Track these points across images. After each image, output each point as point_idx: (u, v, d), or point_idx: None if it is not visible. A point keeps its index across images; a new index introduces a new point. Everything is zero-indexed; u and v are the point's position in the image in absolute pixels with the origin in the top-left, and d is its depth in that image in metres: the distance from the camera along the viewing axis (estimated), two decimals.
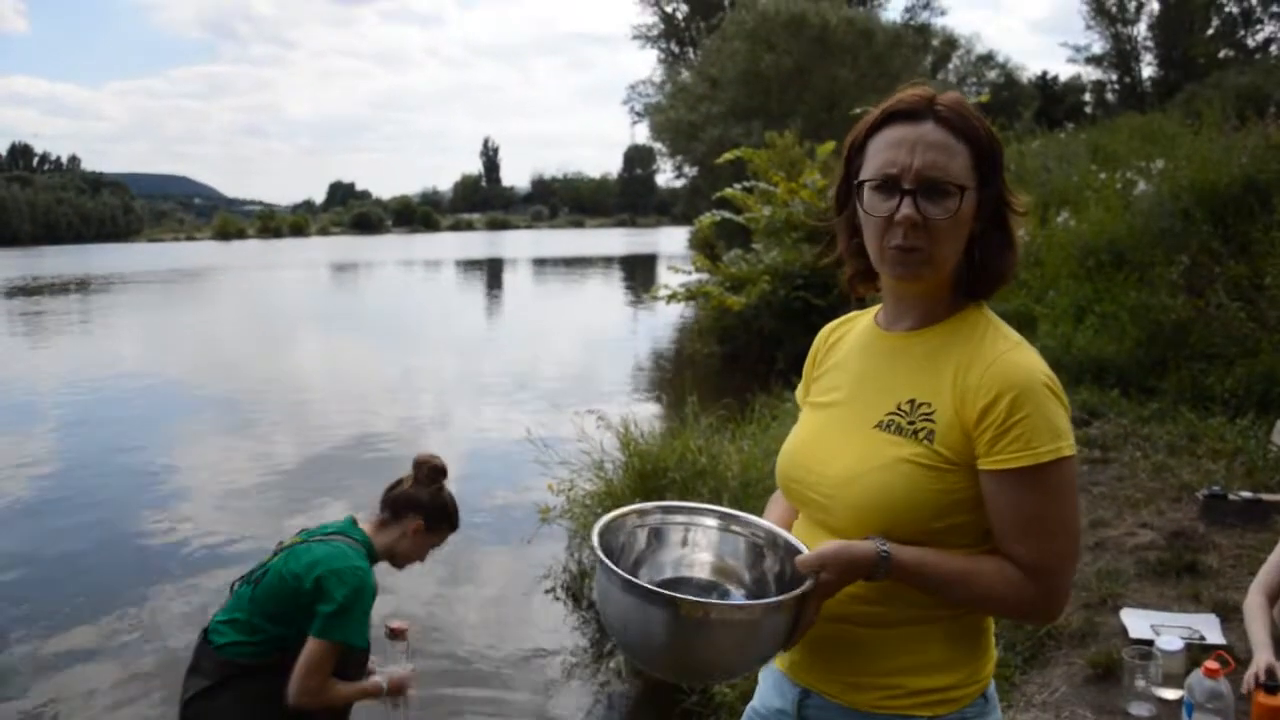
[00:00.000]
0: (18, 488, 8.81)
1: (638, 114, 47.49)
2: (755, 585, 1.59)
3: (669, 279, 14.22)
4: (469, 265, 48.52)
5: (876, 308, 1.67)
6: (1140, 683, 3.09)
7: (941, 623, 1.49)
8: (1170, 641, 3.13)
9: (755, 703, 1.72)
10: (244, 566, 3.07)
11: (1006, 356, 1.44)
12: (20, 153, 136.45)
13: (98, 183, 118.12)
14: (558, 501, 6.19)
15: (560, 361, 15.82)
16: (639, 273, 38.24)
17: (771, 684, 1.67)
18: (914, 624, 1.49)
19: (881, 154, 1.49)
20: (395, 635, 3.10)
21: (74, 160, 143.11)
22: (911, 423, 1.48)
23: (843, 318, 1.77)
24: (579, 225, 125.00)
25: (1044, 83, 45.22)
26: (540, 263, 49.49)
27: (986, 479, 1.43)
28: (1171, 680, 3.05)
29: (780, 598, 1.44)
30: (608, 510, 4.70)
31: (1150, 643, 3.24)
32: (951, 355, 1.49)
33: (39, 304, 29.26)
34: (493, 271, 44.97)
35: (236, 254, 64.59)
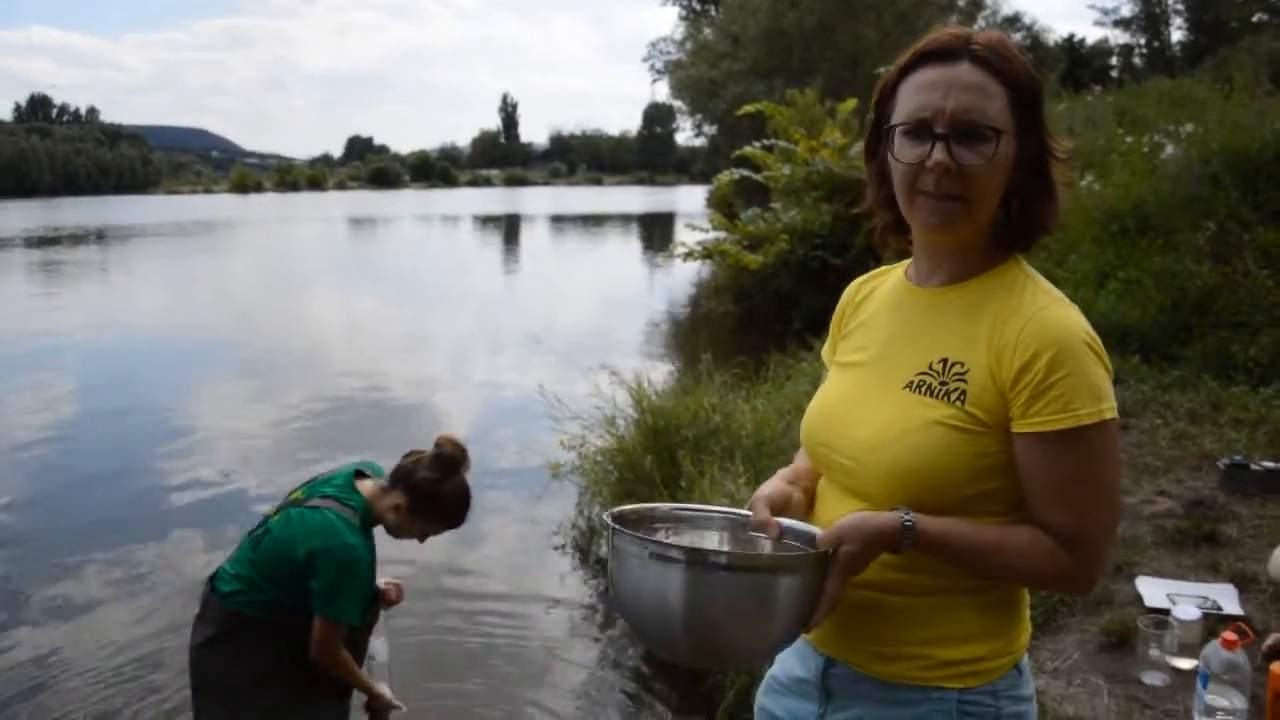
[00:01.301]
0: (36, 435, 8.86)
1: (658, 71, 46.95)
2: None
3: (686, 237, 14.12)
4: (487, 221, 48.43)
5: (907, 262, 1.59)
6: (1155, 652, 3.04)
7: (974, 592, 1.42)
8: (1187, 611, 3.07)
9: (776, 669, 1.65)
10: (256, 513, 3.06)
11: (1046, 312, 1.36)
12: (39, 104, 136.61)
13: (116, 134, 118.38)
14: (569, 458, 6.17)
15: (576, 318, 15.76)
16: (657, 231, 38.06)
17: (794, 652, 1.59)
18: (945, 593, 1.42)
19: (913, 97, 1.40)
20: (381, 598, 3.11)
21: (93, 112, 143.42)
22: (944, 383, 1.40)
23: (872, 272, 1.68)
24: (597, 183, 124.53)
25: (1071, 45, 44.54)
26: (558, 220, 49.30)
27: (1021, 442, 1.35)
28: (1187, 650, 2.99)
29: (795, 554, 1.38)
30: (619, 466, 4.68)
31: (1166, 612, 3.19)
32: (987, 311, 1.41)
33: (58, 254, 29.38)
34: (510, 228, 44.87)
35: (254, 207, 64.68)
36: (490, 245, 35.91)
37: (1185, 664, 2.99)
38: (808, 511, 1.60)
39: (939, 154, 1.35)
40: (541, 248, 34.48)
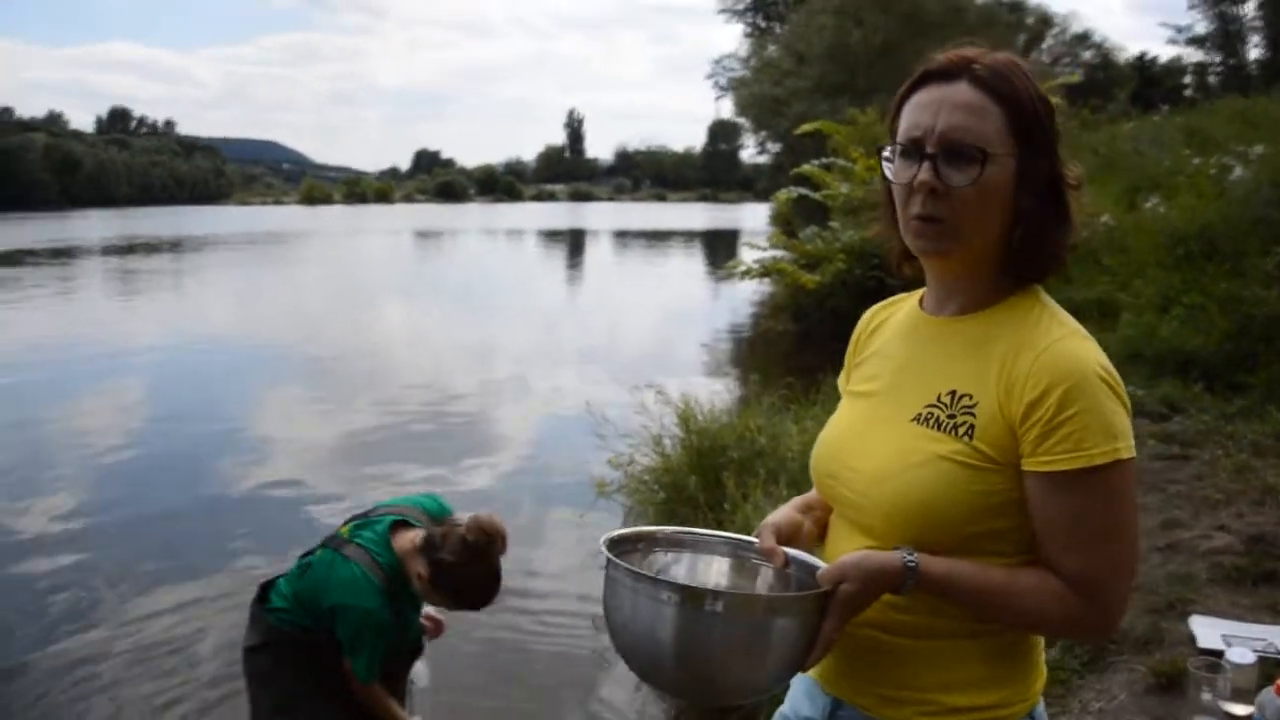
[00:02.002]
0: (111, 440, 9.09)
1: (722, 88, 47.01)
2: None
3: (746, 255, 14.07)
4: (550, 236, 48.74)
5: (923, 290, 1.53)
6: (1206, 696, 2.91)
7: (982, 636, 1.36)
8: (1242, 654, 2.93)
9: (785, 708, 1.60)
10: (317, 522, 3.12)
11: (1059, 345, 1.30)
12: (119, 116, 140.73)
13: (191, 147, 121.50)
14: (616, 476, 6.15)
15: (636, 335, 15.79)
16: (720, 248, 37.97)
17: (803, 690, 1.55)
18: (954, 637, 1.36)
19: (909, 117, 1.37)
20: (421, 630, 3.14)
21: (169, 124, 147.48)
22: (951, 416, 1.34)
23: (887, 300, 1.63)
24: (661, 199, 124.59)
25: (1141, 64, 43.67)
26: (621, 235, 49.43)
27: (1032, 481, 1.29)
28: (1241, 695, 2.86)
29: (792, 595, 1.34)
30: (664, 486, 4.67)
31: (1220, 654, 3.06)
32: (999, 343, 1.35)
33: (135, 263, 30.17)
34: (574, 243, 45.11)
35: (322, 219, 65.81)
36: (553, 260, 36.12)
37: (1239, 710, 2.86)
38: (817, 542, 1.56)
39: (924, 174, 1.32)
40: (604, 263, 34.63)
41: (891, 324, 1.57)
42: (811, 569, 1.41)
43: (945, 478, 1.32)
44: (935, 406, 1.37)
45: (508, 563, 2.88)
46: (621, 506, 6.19)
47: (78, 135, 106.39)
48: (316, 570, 2.82)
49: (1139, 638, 3.45)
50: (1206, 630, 3.38)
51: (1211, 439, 5.31)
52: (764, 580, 1.51)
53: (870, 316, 1.64)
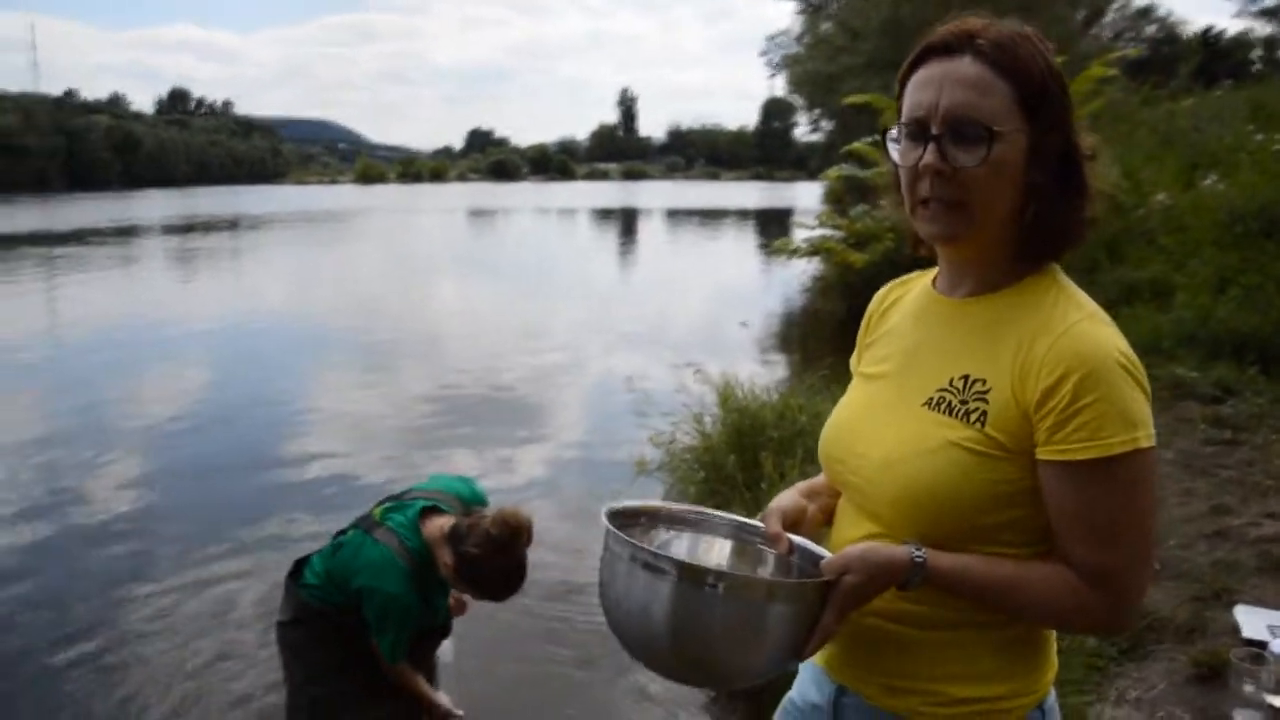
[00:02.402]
0: (167, 417, 9.25)
1: (776, 66, 46.48)
2: None
3: (797, 234, 13.94)
4: (603, 214, 48.72)
5: (937, 269, 1.48)
6: (1249, 687, 2.84)
7: (990, 628, 1.32)
8: None
9: (793, 693, 1.59)
10: (368, 499, 3.16)
11: (1077, 329, 1.24)
12: (178, 97, 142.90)
13: (249, 127, 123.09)
14: (656, 454, 6.13)
15: (686, 314, 15.74)
16: (773, 227, 37.68)
17: (810, 676, 1.53)
18: (959, 627, 1.32)
19: (911, 96, 1.31)
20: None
21: (228, 104, 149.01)
22: (964, 401, 1.30)
23: (901, 279, 1.58)
24: (714, 177, 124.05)
25: (1208, 38, 42.46)
26: (674, 214, 49.24)
27: (1046, 470, 1.24)
28: None
29: (793, 580, 1.31)
30: (704, 465, 4.64)
31: (1264, 645, 2.98)
32: (1014, 326, 1.30)
33: (194, 242, 30.69)
34: (626, 221, 45.04)
35: (377, 198, 66.37)
36: (605, 238, 36.10)
37: None
38: (823, 529, 1.53)
39: (929, 156, 1.27)
40: (656, 242, 34.50)
41: (904, 304, 1.52)
42: (815, 558, 1.37)
43: (956, 465, 1.27)
44: (947, 391, 1.32)
45: (552, 540, 2.88)
46: (662, 484, 6.18)
47: (138, 116, 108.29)
48: (346, 550, 2.85)
49: (1181, 626, 3.38)
50: (1251, 620, 3.29)
51: (1265, 423, 5.18)
52: (766, 566, 1.48)
53: (883, 295, 1.59)
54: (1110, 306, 5.59)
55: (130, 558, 5.90)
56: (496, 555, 2.76)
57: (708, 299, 17.67)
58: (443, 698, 3.11)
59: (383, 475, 7.33)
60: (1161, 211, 8.27)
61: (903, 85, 1.35)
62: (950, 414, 1.30)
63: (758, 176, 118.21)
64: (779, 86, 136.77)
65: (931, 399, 1.34)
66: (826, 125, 37.02)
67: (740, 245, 31.86)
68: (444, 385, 10.47)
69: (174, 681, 4.42)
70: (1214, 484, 4.51)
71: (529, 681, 4.40)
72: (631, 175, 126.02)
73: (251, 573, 5.59)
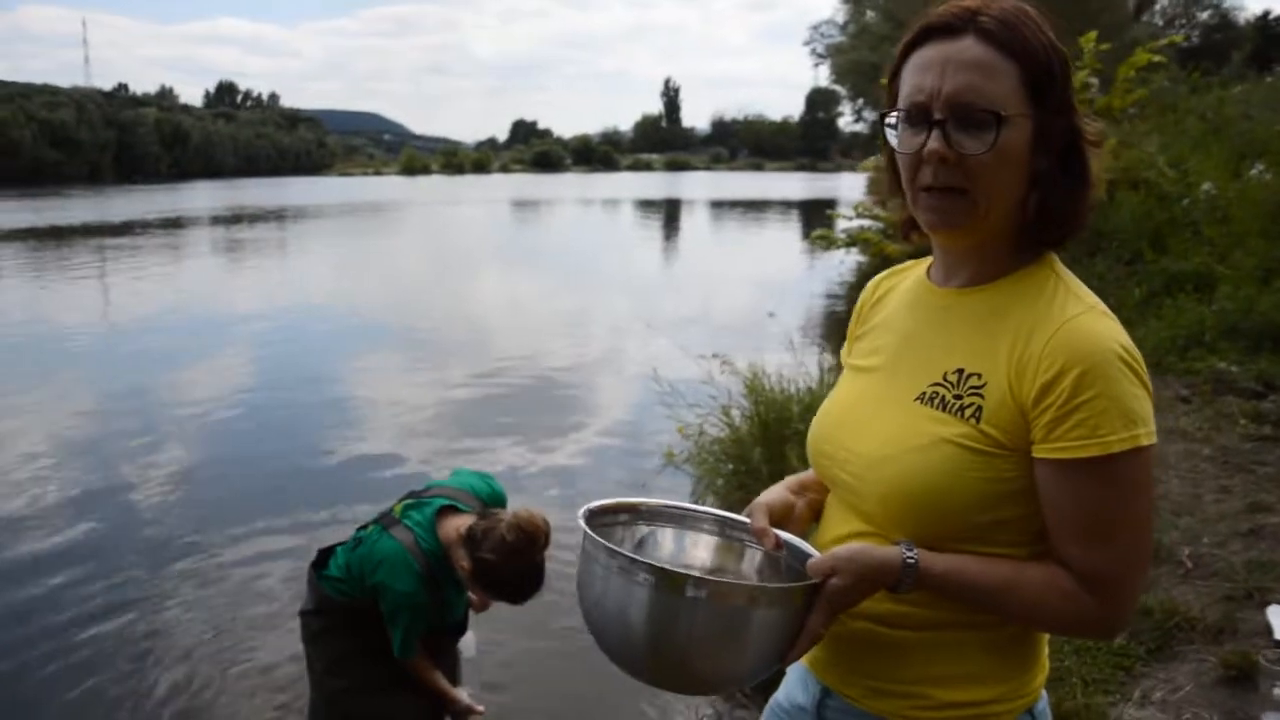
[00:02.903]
0: (212, 404, 9.41)
1: (820, 55, 46.17)
2: None
3: (837, 224, 13.80)
4: (646, 205, 48.67)
5: (931, 258, 1.43)
6: (1279, 691, 2.76)
7: (980, 629, 1.27)
8: None
9: (780, 694, 1.55)
10: (406, 485, 3.20)
11: (1076, 322, 1.19)
12: (225, 90, 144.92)
13: (294, 119, 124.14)
14: (685, 445, 6.10)
15: (726, 305, 15.67)
16: (817, 217, 37.37)
17: (796, 677, 1.49)
18: (949, 628, 1.27)
19: (911, 79, 1.25)
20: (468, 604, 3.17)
21: (274, 97, 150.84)
22: (958, 396, 1.25)
23: (894, 268, 1.53)
24: (758, 168, 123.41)
25: (1264, 23, 41.50)
26: (717, 205, 49.07)
27: (1043, 468, 1.19)
28: None
29: (776, 585, 1.25)
30: (733, 458, 4.60)
31: None
32: (1011, 318, 1.24)
33: (240, 233, 31.12)
34: (669, 212, 44.97)
35: (421, 189, 66.84)
36: (648, 229, 36.03)
37: None
38: (811, 526, 1.48)
39: (934, 142, 1.21)
40: (699, 233, 34.40)
41: (897, 294, 1.47)
42: (803, 556, 1.32)
43: (949, 462, 1.23)
44: (941, 385, 1.28)
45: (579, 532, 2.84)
46: (690, 477, 6.15)
47: (187, 109, 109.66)
48: (365, 546, 2.88)
49: (1211, 626, 3.29)
50: None
51: None
52: (751, 563, 1.44)
53: (875, 285, 1.54)
54: (1152, 298, 5.51)
55: (173, 535, 6.07)
56: (512, 560, 2.74)
57: (747, 290, 17.56)
58: (461, 693, 3.11)
59: (421, 461, 7.49)
60: (1206, 202, 8.09)
61: (899, 67, 1.29)
62: (944, 409, 1.26)
63: (802, 167, 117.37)
64: (823, 76, 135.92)
65: (924, 393, 1.29)
66: (870, 115, 36.72)
67: (782, 236, 31.63)
68: (484, 375, 10.58)
69: (203, 651, 4.58)
70: (1252, 481, 4.39)
71: (552, 676, 4.38)
72: (675, 166, 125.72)
73: (290, 553, 5.67)
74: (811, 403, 5.49)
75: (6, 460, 7.56)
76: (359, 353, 12.21)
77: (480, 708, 3.14)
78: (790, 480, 1.54)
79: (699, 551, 1.47)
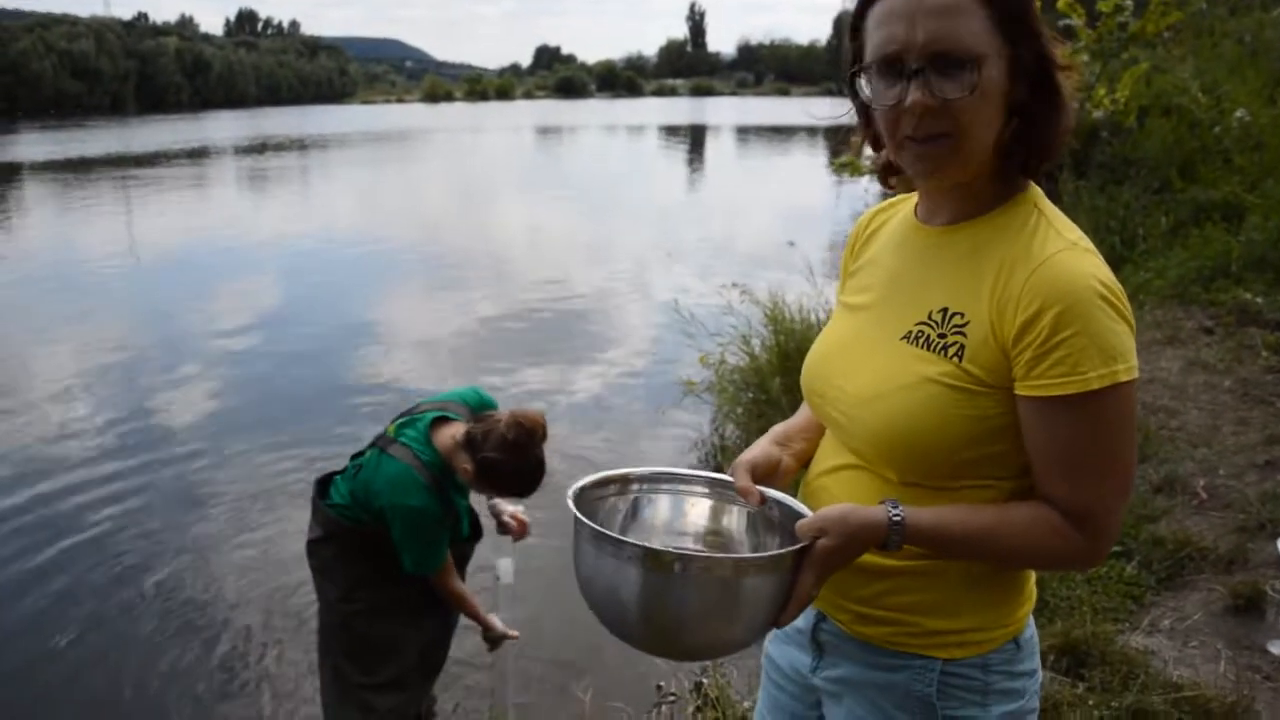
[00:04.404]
0: (239, 333, 9.60)
1: None
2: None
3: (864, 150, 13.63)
4: (670, 132, 48.19)
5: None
6: None
7: (961, 561, 1.30)
8: None
9: None
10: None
11: (1055, 260, 1.19)
12: (246, 18, 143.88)
13: (315, 46, 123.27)
14: (706, 375, 6.14)
15: (748, 232, 15.63)
16: (845, 144, 36.83)
17: None
18: (933, 558, 1.30)
19: (879, 30, 1.23)
20: (505, 531, 3.19)
21: (294, 25, 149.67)
22: (942, 335, 1.26)
23: (884, 203, 1.52)
24: (784, 93, 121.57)
25: None
26: (743, 131, 48.51)
27: (1024, 405, 1.21)
28: None
29: (762, 554, 1.27)
30: (752, 386, 4.61)
31: None
32: (993, 255, 1.25)
33: (265, 162, 31.13)
34: (694, 139, 44.53)
35: (444, 117, 66.38)
36: (672, 157, 35.72)
37: None
38: (798, 474, 1.51)
39: (916, 92, 1.19)
40: (724, 160, 34.06)
41: (887, 230, 1.48)
42: (791, 512, 1.35)
43: (934, 401, 1.24)
44: (926, 325, 1.29)
45: (600, 460, 2.89)
46: (710, 405, 6.22)
47: (207, 38, 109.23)
48: (366, 471, 2.89)
49: (1222, 556, 3.32)
50: None
51: None
52: (744, 521, 1.46)
53: (866, 221, 1.54)
54: (1179, 227, 5.43)
55: (203, 465, 6.24)
56: (514, 457, 2.80)
57: (770, 218, 17.43)
58: (495, 619, 3.16)
59: (449, 383, 7.54)
60: (1239, 129, 7.92)
61: (858, 21, 1.28)
62: (928, 348, 1.27)
63: (829, 92, 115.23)
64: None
65: (910, 333, 1.30)
66: None
67: (811, 162, 31.26)
68: (512, 303, 10.69)
69: (229, 579, 4.77)
70: (1271, 413, 4.38)
71: (571, 593, 4.47)
72: (700, 91, 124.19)
73: (311, 471, 5.82)
74: None
75: (38, 391, 7.76)
76: (384, 281, 12.33)
77: (514, 633, 3.21)
78: (775, 431, 1.56)
79: (694, 514, 1.48)
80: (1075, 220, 1.30)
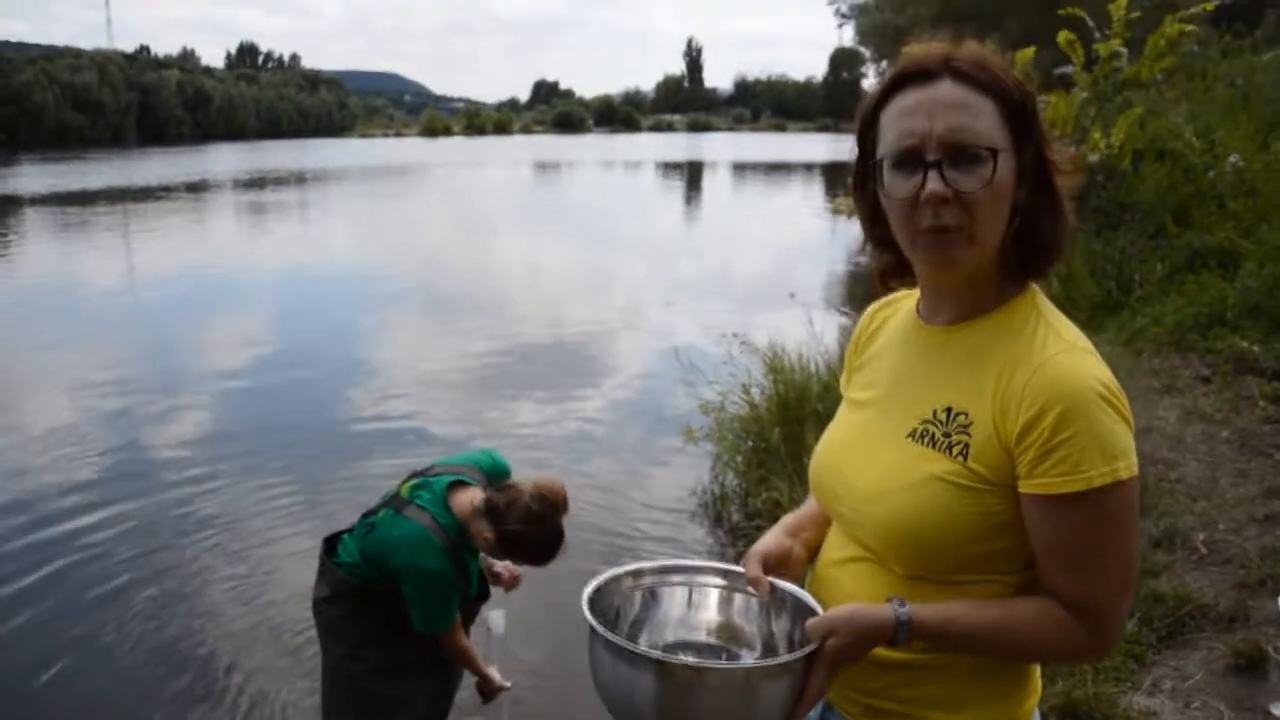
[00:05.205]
0: (238, 365, 9.69)
1: (844, 15, 45.57)
2: (766, 647, 1.44)
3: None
4: (668, 168, 48.45)
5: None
6: None
7: (968, 656, 1.33)
8: None
9: None
10: (433, 448, 3.26)
11: (1055, 362, 1.23)
12: (247, 52, 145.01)
13: (315, 80, 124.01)
14: (705, 422, 6.15)
15: (745, 274, 15.66)
16: (841, 181, 36.85)
17: None
18: (939, 652, 1.32)
19: (896, 124, 1.27)
20: (496, 582, 3.23)
21: (295, 58, 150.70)
22: (947, 434, 1.29)
23: (887, 298, 1.56)
24: (781, 129, 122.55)
25: None
26: (739, 168, 48.78)
27: (1028, 503, 1.24)
28: None
29: (774, 661, 1.30)
30: (752, 435, 4.62)
31: None
32: (994, 356, 1.29)
33: (264, 196, 31.31)
34: (692, 175, 44.79)
35: (443, 151, 66.73)
36: (669, 193, 35.92)
37: None
38: (807, 565, 1.54)
39: (933, 183, 1.23)
40: (720, 197, 34.21)
41: (890, 327, 1.51)
42: (800, 604, 1.38)
43: (940, 498, 1.27)
44: (931, 423, 1.32)
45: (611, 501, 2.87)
46: (710, 454, 6.21)
47: (209, 71, 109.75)
48: (379, 530, 2.90)
49: (1223, 614, 3.32)
50: None
51: None
52: (752, 608, 1.48)
53: (870, 316, 1.58)
54: (1175, 273, 5.45)
55: (195, 494, 6.28)
56: (539, 528, 2.84)
57: (768, 260, 17.52)
58: (493, 671, 3.18)
59: (444, 419, 7.79)
60: (1233, 174, 8.00)
61: (873, 118, 1.32)
62: (933, 446, 1.30)
63: (825, 128, 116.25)
64: (848, 36, 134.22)
65: (915, 430, 1.33)
66: None
67: (807, 201, 31.41)
68: (510, 339, 10.79)
69: (230, 609, 4.82)
70: (1270, 465, 4.40)
71: (577, 652, 4.46)
72: (697, 127, 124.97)
73: (310, 508, 5.98)
74: (830, 382, 5.53)
75: (33, 422, 7.81)
76: (382, 314, 12.42)
77: (509, 683, 3.22)
78: (786, 521, 1.59)
79: (706, 608, 1.51)
80: (1071, 264, 1.33)
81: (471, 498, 2.91)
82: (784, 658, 1.28)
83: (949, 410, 1.31)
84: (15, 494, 6.29)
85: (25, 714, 4.05)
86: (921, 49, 1.29)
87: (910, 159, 1.26)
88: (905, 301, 1.50)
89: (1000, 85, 1.25)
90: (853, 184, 1.40)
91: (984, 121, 1.23)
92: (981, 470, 1.26)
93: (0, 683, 4.24)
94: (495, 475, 3.06)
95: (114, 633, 4.61)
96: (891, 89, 1.30)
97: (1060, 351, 1.24)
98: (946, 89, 1.25)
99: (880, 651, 1.32)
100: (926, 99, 1.25)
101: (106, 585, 5.04)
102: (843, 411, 1.54)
